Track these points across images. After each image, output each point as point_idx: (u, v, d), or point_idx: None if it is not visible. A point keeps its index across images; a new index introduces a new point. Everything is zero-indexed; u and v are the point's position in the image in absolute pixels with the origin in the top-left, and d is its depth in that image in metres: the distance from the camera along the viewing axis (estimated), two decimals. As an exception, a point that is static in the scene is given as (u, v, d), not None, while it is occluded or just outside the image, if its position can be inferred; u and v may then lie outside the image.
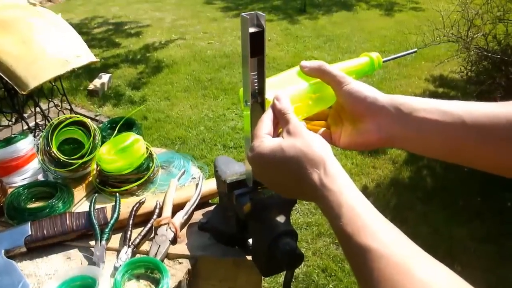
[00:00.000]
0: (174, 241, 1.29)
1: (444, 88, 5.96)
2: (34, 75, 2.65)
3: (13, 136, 1.62)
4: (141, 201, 1.40)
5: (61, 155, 1.54)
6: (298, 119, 0.81)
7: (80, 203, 1.52)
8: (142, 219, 1.37)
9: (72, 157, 1.55)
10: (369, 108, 0.83)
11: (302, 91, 0.93)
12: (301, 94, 0.92)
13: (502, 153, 0.71)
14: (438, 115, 0.76)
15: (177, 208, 1.39)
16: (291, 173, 0.74)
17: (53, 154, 1.54)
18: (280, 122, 0.82)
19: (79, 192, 1.56)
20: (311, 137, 0.76)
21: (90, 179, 1.62)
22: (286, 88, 0.90)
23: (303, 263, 2.99)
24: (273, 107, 0.84)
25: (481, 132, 0.72)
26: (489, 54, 4.38)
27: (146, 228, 1.31)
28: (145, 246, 1.29)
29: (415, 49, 1.21)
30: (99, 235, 1.28)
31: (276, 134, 0.84)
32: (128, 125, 1.80)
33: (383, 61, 1.07)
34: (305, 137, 0.76)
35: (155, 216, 1.36)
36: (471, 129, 0.73)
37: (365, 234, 0.61)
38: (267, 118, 0.83)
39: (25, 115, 3.74)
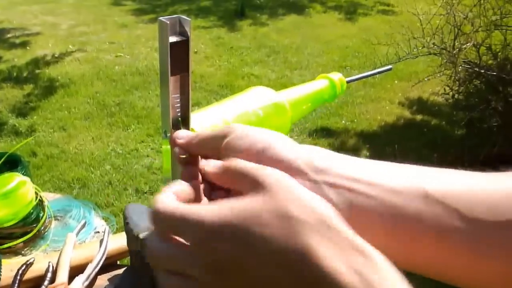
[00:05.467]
0: (72, 314, 1.30)
1: (424, 114, 6.07)
2: None
3: None
4: (28, 263, 1.40)
5: None
6: None
7: None
8: (30, 286, 1.36)
9: None
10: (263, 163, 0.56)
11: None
12: None
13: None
14: (380, 188, 0.54)
15: (75, 271, 1.39)
16: (287, 264, 0.48)
17: None
18: (220, 179, 0.60)
19: None
20: (298, 186, 0.52)
21: (-40, 234, 1.61)
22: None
23: None
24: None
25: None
26: (482, 71, 4.45)
27: (35, 298, 1.31)
28: (34, 322, 1.29)
29: (390, 66, 1.20)
30: (-28, 307, 1.28)
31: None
32: (12, 163, 1.79)
33: (347, 82, 1.06)
34: (289, 186, 0.52)
35: (46, 282, 1.35)
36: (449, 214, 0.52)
37: None
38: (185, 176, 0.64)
39: None
